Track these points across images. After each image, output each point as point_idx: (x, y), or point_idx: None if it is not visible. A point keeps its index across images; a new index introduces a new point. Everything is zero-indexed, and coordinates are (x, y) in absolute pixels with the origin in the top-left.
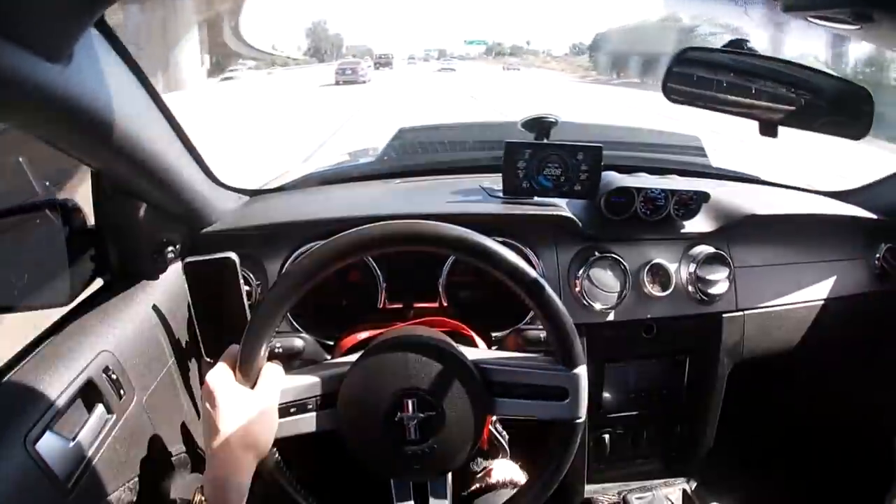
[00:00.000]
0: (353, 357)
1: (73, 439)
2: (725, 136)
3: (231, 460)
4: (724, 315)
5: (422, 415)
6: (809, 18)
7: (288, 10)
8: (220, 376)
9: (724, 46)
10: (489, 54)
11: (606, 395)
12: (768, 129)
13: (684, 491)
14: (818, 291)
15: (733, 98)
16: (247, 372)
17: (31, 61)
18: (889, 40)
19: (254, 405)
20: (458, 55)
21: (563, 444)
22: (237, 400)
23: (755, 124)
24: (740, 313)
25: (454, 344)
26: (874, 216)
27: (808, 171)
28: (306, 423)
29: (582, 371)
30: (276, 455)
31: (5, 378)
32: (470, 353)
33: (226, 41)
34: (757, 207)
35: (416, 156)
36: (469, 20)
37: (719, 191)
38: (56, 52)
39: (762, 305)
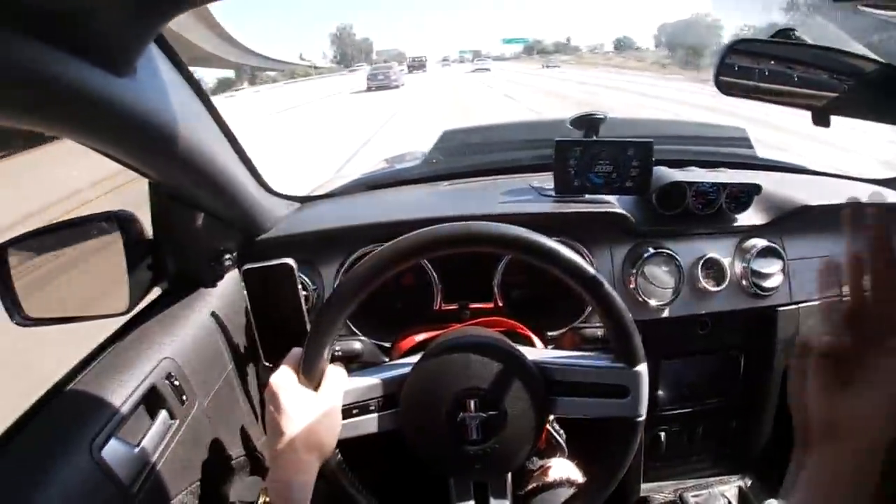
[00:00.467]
0: (414, 358)
1: (138, 445)
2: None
3: (295, 461)
4: (779, 309)
5: (483, 414)
6: (859, 6)
7: (309, 17)
8: (284, 378)
9: (771, 36)
10: (529, 53)
11: (661, 392)
12: (821, 119)
13: (740, 488)
14: None
15: (786, 88)
16: (310, 374)
17: (98, 75)
18: None
19: (318, 407)
20: (495, 55)
21: (624, 443)
22: (301, 402)
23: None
24: (794, 307)
25: (513, 344)
26: None
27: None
28: (368, 423)
29: (643, 368)
30: (339, 455)
31: (69, 386)
32: (529, 353)
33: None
34: (809, 198)
35: (462, 158)
36: (506, 18)
37: (769, 182)
38: (121, 65)
39: (817, 298)
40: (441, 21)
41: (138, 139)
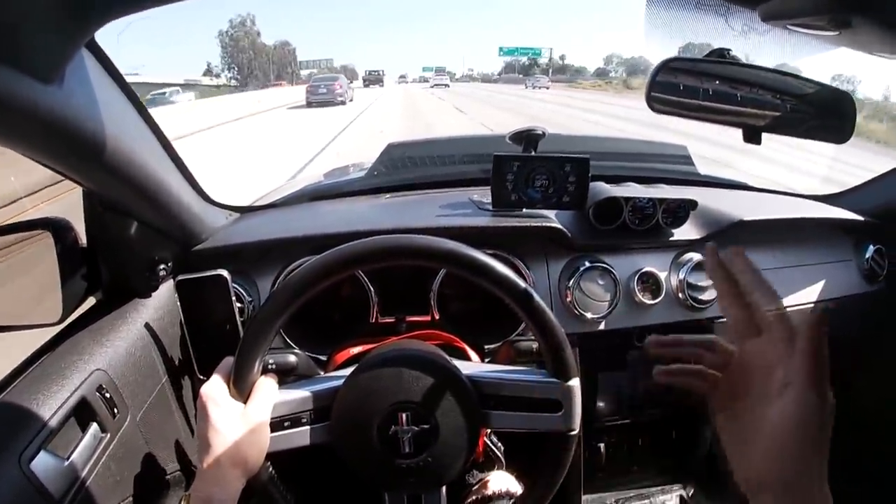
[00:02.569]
0: (347, 371)
1: (68, 458)
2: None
3: (218, 475)
4: (716, 321)
5: (416, 428)
6: (789, 26)
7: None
8: (214, 389)
9: (706, 56)
10: (525, 72)
11: (600, 403)
12: (752, 136)
13: (681, 497)
14: (809, 294)
15: (717, 106)
16: (240, 386)
17: (23, 82)
18: (867, 45)
19: (245, 421)
20: (470, 75)
21: (558, 457)
22: (228, 415)
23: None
24: None
25: (448, 357)
26: (861, 218)
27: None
28: (300, 436)
29: (575, 383)
30: (270, 469)
31: None
32: (464, 367)
33: None
34: (745, 213)
35: (405, 170)
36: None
37: (707, 198)
38: (48, 72)
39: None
40: (408, 32)
41: (67, 147)
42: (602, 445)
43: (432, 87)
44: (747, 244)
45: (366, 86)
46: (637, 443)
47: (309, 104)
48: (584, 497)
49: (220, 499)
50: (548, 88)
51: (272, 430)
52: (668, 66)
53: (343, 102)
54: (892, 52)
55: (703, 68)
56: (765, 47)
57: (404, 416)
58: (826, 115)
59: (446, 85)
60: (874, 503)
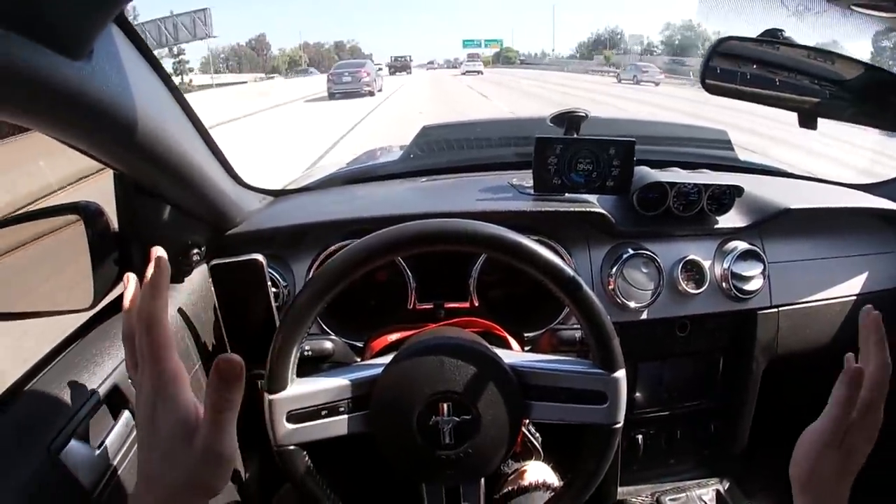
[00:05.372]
0: (386, 359)
1: (99, 447)
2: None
3: None
4: (759, 312)
5: (457, 419)
6: (853, 7)
7: None
8: None
9: (759, 36)
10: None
11: (639, 394)
12: (807, 121)
13: (718, 491)
14: (851, 287)
15: (772, 89)
16: (278, 375)
17: (52, 59)
18: None
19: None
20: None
21: (601, 450)
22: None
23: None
24: (774, 310)
25: (489, 346)
26: None
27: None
28: (337, 426)
29: (622, 374)
30: (307, 459)
31: (29, 384)
32: (506, 356)
33: None
34: (790, 201)
35: (441, 154)
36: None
37: (750, 185)
38: (77, 49)
39: (796, 301)
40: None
41: (98, 126)
42: (640, 437)
43: (463, 73)
44: (791, 233)
45: (391, 73)
46: (675, 435)
47: (331, 95)
48: (620, 489)
49: None
50: (656, 84)
51: (310, 420)
52: (721, 47)
53: (371, 93)
54: None
55: (756, 50)
56: (819, 28)
57: (445, 406)
58: (887, 99)
59: (479, 72)
60: None
